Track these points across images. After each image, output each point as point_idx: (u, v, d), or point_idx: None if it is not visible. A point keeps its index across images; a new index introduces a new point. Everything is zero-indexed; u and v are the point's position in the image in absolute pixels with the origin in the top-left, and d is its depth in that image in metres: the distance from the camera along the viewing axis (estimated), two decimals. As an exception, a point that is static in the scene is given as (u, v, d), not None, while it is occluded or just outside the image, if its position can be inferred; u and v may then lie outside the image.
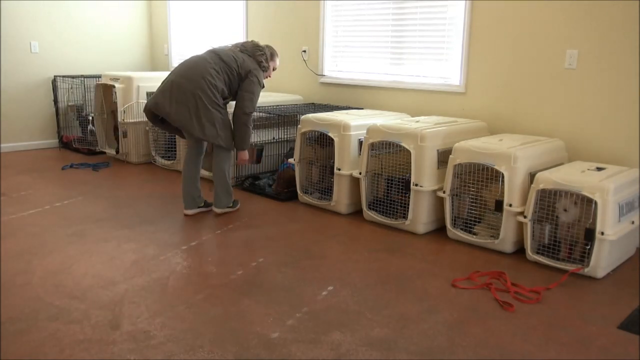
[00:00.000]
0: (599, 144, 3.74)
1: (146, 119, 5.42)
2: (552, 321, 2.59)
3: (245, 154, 3.94)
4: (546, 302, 2.78)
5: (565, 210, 3.12)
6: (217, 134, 3.74)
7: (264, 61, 3.91)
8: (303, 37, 5.40)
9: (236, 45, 3.96)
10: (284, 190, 4.51)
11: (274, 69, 4.10)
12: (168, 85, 3.73)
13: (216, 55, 3.82)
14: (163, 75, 5.87)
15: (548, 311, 2.68)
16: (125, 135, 5.51)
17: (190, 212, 4.01)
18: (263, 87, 3.90)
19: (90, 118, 5.99)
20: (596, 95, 3.71)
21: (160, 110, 3.73)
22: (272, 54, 4.02)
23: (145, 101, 5.51)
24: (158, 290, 2.81)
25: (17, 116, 6.16)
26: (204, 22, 6.47)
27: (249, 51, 3.90)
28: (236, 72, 3.79)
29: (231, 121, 3.84)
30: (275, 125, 4.90)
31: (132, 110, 5.49)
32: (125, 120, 5.46)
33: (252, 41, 3.99)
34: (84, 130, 6.13)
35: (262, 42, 3.87)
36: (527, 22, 3.96)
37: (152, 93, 5.46)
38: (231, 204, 4.05)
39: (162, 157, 5.52)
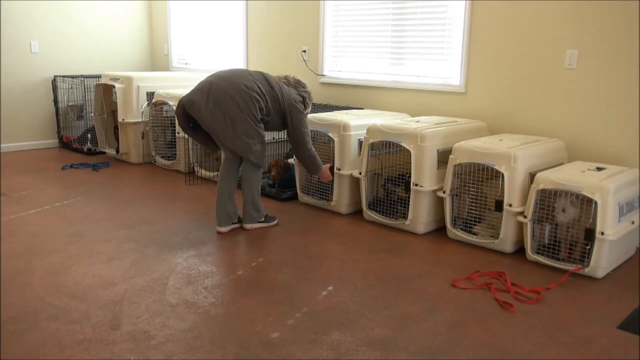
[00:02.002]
0: (599, 144, 3.74)
1: (146, 119, 5.48)
2: (552, 321, 2.59)
3: (326, 171, 3.83)
4: (546, 302, 2.78)
5: (563, 210, 3.12)
6: (250, 148, 3.48)
7: (307, 97, 3.71)
8: (303, 37, 5.40)
9: (279, 77, 3.73)
10: (280, 177, 4.49)
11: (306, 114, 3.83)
12: (207, 85, 3.46)
13: (262, 75, 3.60)
14: (163, 75, 5.91)
15: (548, 311, 2.68)
16: (143, 136, 5.54)
17: (223, 229, 3.69)
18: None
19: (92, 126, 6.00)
20: (596, 95, 3.71)
21: (195, 110, 3.44)
22: (311, 98, 3.78)
23: (147, 101, 5.52)
24: (158, 290, 2.81)
25: (17, 116, 6.16)
26: (204, 22, 6.48)
27: (292, 84, 3.71)
28: (279, 99, 3.56)
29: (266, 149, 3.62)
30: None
31: (132, 110, 5.49)
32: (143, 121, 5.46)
33: (294, 77, 3.79)
34: (92, 134, 6.12)
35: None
36: (527, 22, 3.96)
37: (152, 93, 5.50)
38: (263, 219, 3.79)
39: (162, 157, 5.52)
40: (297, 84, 3.72)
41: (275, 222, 3.86)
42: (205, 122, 3.45)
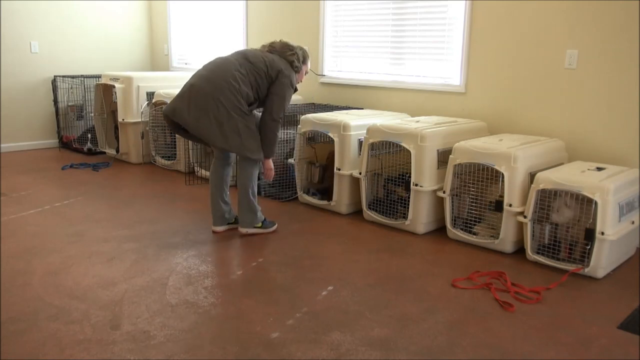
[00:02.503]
0: (599, 144, 3.74)
1: (146, 119, 5.48)
2: (552, 321, 2.59)
3: (271, 163, 3.57)
4: (546, 302, 2.78)
5: (557, 211, 3.13)
6: (241, 143, 3.34)
7: (295, 61, 3.50)
8: (303, 37, 5.40)
9: (264, 46, 3.58)
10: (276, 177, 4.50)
11: (305, 73, 3.67)
12: (187, 89, 3.35)
13: (242, 56, 3.44)
14: (163, 75, 5.91)
15: (548, 311, 2.68)
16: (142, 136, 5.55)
17: (218, 228, 3.66)
18: (296, 90, 3.55)
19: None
20: (596, 95, 3.71)
21: (178, 117, 3.33)
22: (304, 56, 3.60)
23: (147, 101, 5.52)
24: (158, 290, 2.81)
25: (17, 116, 6.16)
26: (204, 22, 6.47)
27: (278, 51, 3.51)
28: (264, 73, 3.39)
29: (258, 128, 3.46)
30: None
31: (132, 110, 5.49)
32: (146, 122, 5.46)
33: (281, 40, 3.58)
34: (92, 134, 6.12)
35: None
36: (527, 22, 3.96)
37: (151, 93, 5.50)
38: (260, 224, 3.63)
39: (162, 157, 5.52)
40: (284, 48, 3.51)
41: (273, 228, 3.70)
42: (191, 127, 3.33)
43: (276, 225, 3.74)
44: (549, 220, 3.20)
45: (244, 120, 3.35)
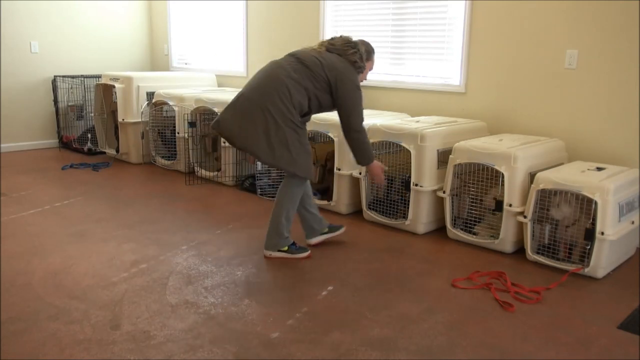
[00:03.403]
0: (599, 144, 3.74)
1: (146, 119, 5.48)
2: (552, 321, 2.59)
3: (377, 166, 3.24)
4: (546, 302, 2.78)
5: (557, 206, 3.12)
6: (290, 158, 3.00)
7: (358, 60, 3.11)
8: (303, 37, 5.39)
9: (322, 44, 3.19)
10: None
11: (370, 70, 3.30)
12: (235, 100, 3.06)
13: (296, 59, 3.08)
14: (163, 75, 5.92)
15: (548, 311, 2.68)
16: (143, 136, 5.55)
17: (314, 240, 3.42)
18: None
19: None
20: (596, 95, 3.71)
21: (222, 129, 3.03)
22: (368, 51, 3.22)
23: (147, 101, 5.52)
24: (158, 290, 2.81)
25: (17, 116, 6.16)
26: (204, 22, 6.47)
27: (338, 49, 3.11)
28: (323, 78, 3.02)
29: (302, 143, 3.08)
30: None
31: (132, 110, 5.49)
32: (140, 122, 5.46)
33: (341, 37, 3.20)
34: (92, 134, 6.12)
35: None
36: (527, 22, 3.96)
37: (151, 93, 5.50)
38: (286, 247, 3.26)
39: (162, 157, 5.52)
40: (345, 46, 3.12)
41: (304, 254, 3.28)
42: (234, 140, 3.01)
43: (308, 252, 3.30)
44: (549, 217, 3.20)
45: (294, 132, 3.02)
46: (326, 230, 3.46)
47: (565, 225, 3.15)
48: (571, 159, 3.84)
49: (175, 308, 2.63)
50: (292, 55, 3.13)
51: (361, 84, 3.17)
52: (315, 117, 4.16)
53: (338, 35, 3.25)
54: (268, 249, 3.26)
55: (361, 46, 3.17)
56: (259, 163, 4.49)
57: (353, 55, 3.10)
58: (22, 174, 5.16)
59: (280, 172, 4.51)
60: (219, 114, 3.12)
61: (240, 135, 2.98)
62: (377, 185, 3.27)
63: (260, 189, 4.62)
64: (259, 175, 4.61)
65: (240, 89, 3.22)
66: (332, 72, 3.02)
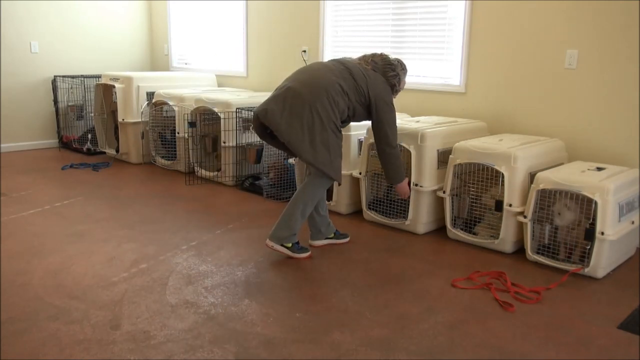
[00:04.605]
0: (599, 144, 3.74)
1: (146, 119, 5.48)
2: (552, 321, 2.59)
3: (406, 185, 3.41)
4: (546, 302, 2.78)
5: (559, 214, 3.12)
6: (330, 160, 3.07)
7: (396, 84, 3.26)
8: (303, 37, 5.40)
9: (365, 60, 3.27)
10: (279, 179, 4.51)
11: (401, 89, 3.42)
12: (283, 92, 3.07)
13: (344, 67, 3.15)
14: (163, 75, 5.91)
15: (548, 311, 2.68)
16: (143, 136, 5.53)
17: (317, 243, 3.44)
18: None
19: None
20: (596, 95, 3.71)
21: (270, 120, 3.05)
22: (404, 72, 3.34)
23: (147, 101, 5.52)
24: (158, 290, 2.81)
25: (17, 116, 6.16)
26: (204, 22, 6.47)
27: (380, 69, 3.22)
28: (364, 93, 3.13)
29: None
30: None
31: (132, 110, 5.49)
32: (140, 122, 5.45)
33: (381, 55, 3.29)
34: (93, 134, 6.12)
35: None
36: (527, 22, 3.96)
37: (151, 93, 5.50)
38: (290, 244, 3.24)
39: (162, 157, 5.52)
40: (386, 67, 3.23)
41: (303, 255, 3.27)
42: (281, 132, 3.04)
43: (309, 253, 3.31)
44: (553, 222, 3.20)
45: (335, 136, 3.11)
46: (332, 235, 3.50)
47: (572, 228, 3.14)
48: (571, 159, 3.84)
49: (175, 308, 2.63)
50: (340, 62, 3.20)
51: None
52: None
53: (378, 53, 3.33)
54: (272, 240, 3.22)
55: (399, 69, 3.28)
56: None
57: (393, 78, 3.24)
58: (22, 174, 5.16)
59: (280, 173, 4.52)
60: (262, 102, 3.14)
61: (287, 130, 3.03)
62: (401, 196, 3.47)
63: (265, 191, 4.63)
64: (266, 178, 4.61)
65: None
66: (374, 92, 3.14)
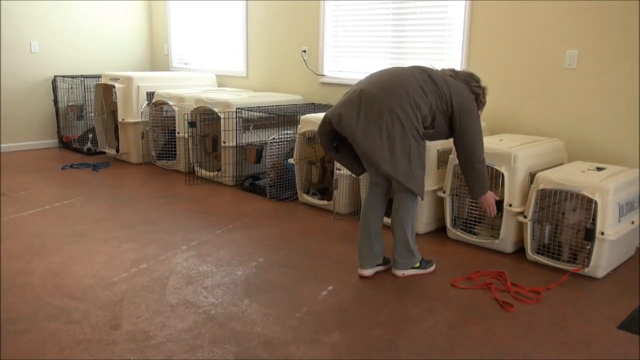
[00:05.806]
0: (599, 144, 3.74)
1: (146, 119, 5.48)
2: (552, 321, 2.59)
3: (490, 198, 3.06)
4: (546, 302, 2.78)
5: (574, 210, 3.12)
6: (410, 172, 2.79)
7: (481, 95, 2.97)
8: (303, 37, 5.40)
9: (444, 70, 3.02)
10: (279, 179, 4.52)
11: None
12: (357, 95, 2.79)
13: (424, 72, 2.89)
14: (163, 75, 5.91)
15: (548, 311, 2.68)
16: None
17: (366, 272, 3.02)
18: None
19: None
20: (596, 95, 3.71)
21: (344, 126, 2.76)
22: (486, 90, 3.07)
23: (147, 101, 5.51)
24: (158, 290, 2.81)
25: (17, 116, 6.16)
26: (204, 22, 6.47)
27: (462, 79, 2.96)
28: (446, 100, 2.84)
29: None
30: (275, 125, 4.90)
31: (132, 110, 5.49)
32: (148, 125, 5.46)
33: (464, 69, 3.14)
34: (93, 134, 6.13)
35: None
36: (527, 22, 3.96)
37: (151, 93, 5.50)
38: (417, 264, 3.07)
39: (162, 157, 5.52)
40: (469, 78, 2.98)
41: (432, 268, 3.12)
42: (357, 141, 2.76)
43: (434, 265, 3.16)
44: (554, 221, 3.20)
45: (417, 144, 2.80)
46: (381, 262, 3.14)
47: (578, 230, 3.14)
48: (571, 159, 3.84)
49: (175, 308, 2.63)
50: (417, 66, 2.96)
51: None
52: (316, 117, 4.15)
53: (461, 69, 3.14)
54: (401, 269, 3.04)
55: (482, 83, 3.05)
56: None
57: (477, 88, 2.97)
58: (22, 174, 5.16)
59: (280, 173, 4.51)
60: (334, 105, 2.87)
61: (363, 139, 2.75)
62: (489, 214, 3.13)
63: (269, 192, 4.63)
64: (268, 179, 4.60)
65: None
66: (457, 99, 2.86)
